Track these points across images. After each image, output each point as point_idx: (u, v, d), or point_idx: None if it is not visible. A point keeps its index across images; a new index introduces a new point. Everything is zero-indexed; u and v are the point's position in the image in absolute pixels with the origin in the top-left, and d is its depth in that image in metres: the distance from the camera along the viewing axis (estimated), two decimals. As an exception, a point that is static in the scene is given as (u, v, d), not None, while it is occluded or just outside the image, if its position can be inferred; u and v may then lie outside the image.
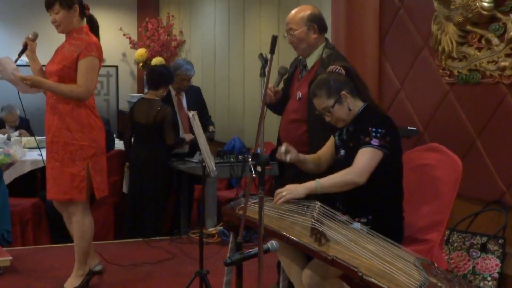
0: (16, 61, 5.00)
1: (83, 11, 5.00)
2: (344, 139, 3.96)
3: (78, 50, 4.83)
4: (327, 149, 4.13)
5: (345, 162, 3.86)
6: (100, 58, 4.94)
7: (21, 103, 5.28)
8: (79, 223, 4.99)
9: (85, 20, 5.05)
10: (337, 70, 3.95)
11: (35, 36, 5.02)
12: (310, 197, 3.83)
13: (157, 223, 6.90)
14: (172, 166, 6.98)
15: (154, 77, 7.03)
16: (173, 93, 7.30)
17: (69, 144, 4.86)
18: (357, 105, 3.91)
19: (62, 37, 5.07)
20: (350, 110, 3.89)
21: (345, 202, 3.85)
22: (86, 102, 4.91)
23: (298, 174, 4.28)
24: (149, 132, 6.87)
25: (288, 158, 4.01)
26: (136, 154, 7.00)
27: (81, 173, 4.88)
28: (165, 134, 6.84)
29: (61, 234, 6.93)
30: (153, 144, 6.89)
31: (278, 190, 3.82)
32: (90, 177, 4.92)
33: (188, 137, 7.07)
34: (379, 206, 3.80)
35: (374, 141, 3.72)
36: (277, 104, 4.76)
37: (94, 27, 5.08)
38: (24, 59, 5.24)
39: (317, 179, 3.77)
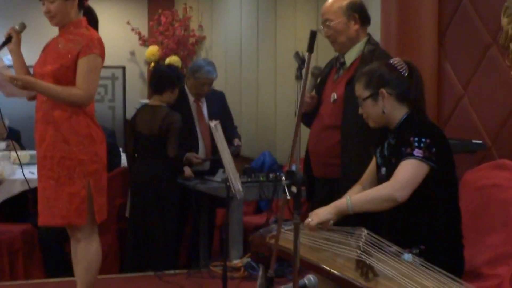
0: None
1: (82, 2, 5.02)
2: (385, 155, 3.97)
3: (78, 47, 4.85)
4: (370, 172, 4.13)
5: (387, 181, 3.88)
6: (103, 57, 4.97)
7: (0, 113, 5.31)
8: (85, 251, 4.99)
9: (82, 12, 5.06)
10: (398, 64, 3.95)
11: (22, 28, 5.02)
12: (350, 223, 3.84)
13: (168, 254, 6.90)
14: (189, 186, 6.98)
15: (156, 79, 7.05)
16: (191, 99, 7.31)
17: (66, 158, 4.85)
18: (399, 112, 3.91)
19: (51, 33, 5.10)
20: (384, 112, 3.90)
21: (392, 230, 3.84)
22: (86, 110, 4.92)
23: (330, 195, 4.30)
24: (153, 145, 6.84)
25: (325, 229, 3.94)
26: (138, 172, 6.98)
27: (81, 193, 4.87)
28: (168, 144, 6.79)
29: (56, 267, 7.01)
30: (159, 158, 6.85)
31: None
32: (91, 197, 4.91)
33: (186, 171, 7.05)
34: (432, 232, 3.80)
35: (417, 152, 3.71)
36: (310, 111, 4.79)
37: (92, 20, 5.10)
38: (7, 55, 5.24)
39: (348, 196, 3.78)
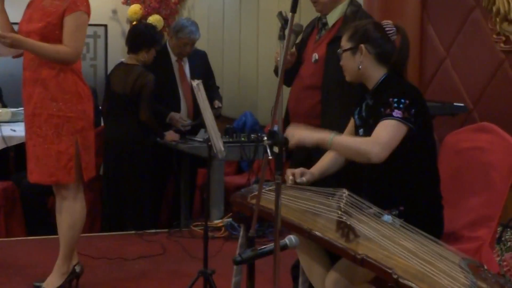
0: None
1: None
2: (363, 116, 3.96)
3: (64, 4, 4.83)
4: (349, 133, 4.11)
5: None
6: (89, 14, 4.95)
7: None
8: (70, 209, 5.01)
9: None
10: (387, 26, 3.93)
11: None
12: (333, 183, 3.85)
13: (142, 213, 6.90)
14: (170, 146, 6.97)
15: (132, 37, 7.01)
16: (173, 59, 7.30)
17: (54, 116, 4.86)
18: (377, 72, 3.89)
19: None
20: (359, 68, 3.89)
21: (371, 191, 3.83)
22: (73, 67, 4.91)
23: (309, 157, 4.30)
24: (126, 103, 6.84)
25: (304, 179, 3.97)
26: (111, 130, 6.97)
27: (69, 151, 4.89)
28: (140, 107, 6.78)
29: (38, 224, 6.99)
30: (131, 118, 6.85)
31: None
32: (78, 155, 4.92)
33: (169, 136, 7.03)
34: (411, 193, 3.79)
35: (396, 113, 3.68)
36: (290, 70, 4.77)
37: None
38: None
39: (333, 135, 3.73)
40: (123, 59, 7.19)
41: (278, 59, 4.67)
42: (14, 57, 5.23)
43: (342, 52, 3.93)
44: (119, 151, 6.87)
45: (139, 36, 6.96)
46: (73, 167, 4.92)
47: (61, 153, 4.88)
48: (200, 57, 7.53)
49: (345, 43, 3.93)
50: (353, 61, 3.90)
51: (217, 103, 7.25)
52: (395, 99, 3.71)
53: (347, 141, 3.78)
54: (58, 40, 4.83)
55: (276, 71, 4.87)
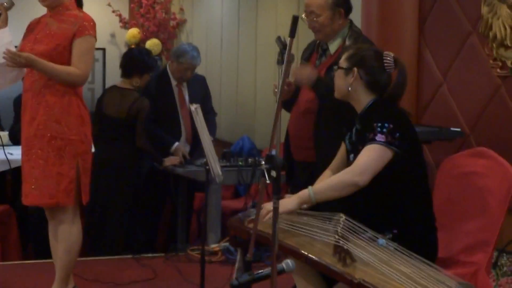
0: None
1: None
2: (353, 141, 3.98)
3: (73, 28, 4.87)
4: (341, 158, 4.13)
5: None
6: (96, 38, 5.00)
7: None
8: (66, 233, 5.01)
9: None
10: (386, 56, 3.94)
11: (11, 4, 5.03)
12: (331, 208, 3.87)
13: (124, 238, 6.87)
14: (167, 170, 6.97)
15: (126, 62, 6.99)
16: (173, 83, 7.30)
17: (57, 138, 4.88)
18: (364, 97, 3.92)
19: (36, 12, 5.08)
20: (349, 90, 3.92)
21: (366, 215, 3.83)
22: (76, 90, 4.95)
23: (310, 178, 4.32)
24: (120, 127, 6.77)
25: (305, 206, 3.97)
26: (101, 153, 6.79)
27: (70, 173, 4.90)
28: (137, 133, 6.75)
29: (34, 249, 6.99)
30: (123, 141, 6.80)
31: (264, 204, 3.79)
32: (79, 178, 4.94)
33: (169, 161, 6.96)
34: (404, 216, 3.80)
35: (379, 137, 3.71)
36: (291, 99, 4.80)
37: (78, 2, 5.11)
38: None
39: (310, 186, 3.78)
40: (116, 83, 7.17)
41: (276, 90, 4.71)
42: (10, 83, 5.24)
43: (337, 69, 3.97)
44: (109, 174, 6.79)
45: (133, 61, 6.95)
46: (73, 189, 4.93)
47: (62, 175, 4.89)
48: (199, 81, 7.53)
49: (342, 61, 3.97)
50: (344, 80, 3.94)
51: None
52: (379, 124, 3.74)
53: (328, 183, 3.81)
54: (65, 62, 4.86)
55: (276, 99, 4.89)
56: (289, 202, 3.79)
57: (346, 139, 4.04)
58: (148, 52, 7.44)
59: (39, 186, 4.93)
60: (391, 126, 3.73)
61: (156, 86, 7.14)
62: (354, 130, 3.98)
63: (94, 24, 4.97)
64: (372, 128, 3.74)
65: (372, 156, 3.70)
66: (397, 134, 3.73)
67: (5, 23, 5.01)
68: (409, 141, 3.80)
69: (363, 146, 3.81)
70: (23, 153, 5.02)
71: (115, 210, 6.81)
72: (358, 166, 3.71)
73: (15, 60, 4.75)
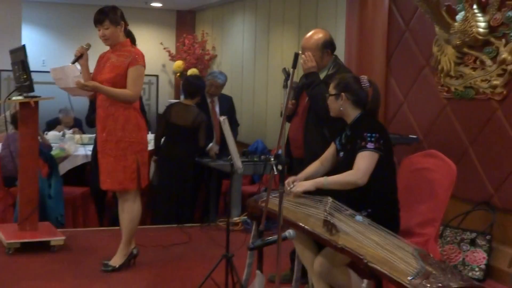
0: None
1: (125, 27, 5.01)
2: (343, 143, 3.96)
3: (127, 60, 4.87)
4: (328, 154, 4.09)
5: (345, 162, 3.85)
6: (145, 67, 4.99)
7: (71, 106, 5.58)
8: (130, 208, 5.03)
9: (125, 34, 5.05)
10: (362, 80, 3.92)
11: (89, 46, 5.03)
12: (321, 193, 3.85)
13: (185, 211, 6.87)
14: (203, 163, 6.97)
15: (190, 88, 6.93)
16: (208, 99, 7.30)
17: (121, 141, 4.90)
18: (353, 112, 3.89)
19: (98, 49, 5.12)
20: (341, 109, 3.90)
21: (347, 198, 3.82)
22: (134, 105, 4.95)
23: (303, 170, 4.29)
24: (185, 133, 6.78)
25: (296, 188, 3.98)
26: (167, 151, 6.87)
27: (132, 166, 4.93)
28: (199, 137, 6.77)
29: (107, 219, 7.01)
30: (187, 143, 6.79)
31: (290, 179, 3.80)
32: (138, 169, 4.96)
33: (210, 149, 6.99)
34: (376, 200, 3.77)
35: (370, 145, 3.70)
36: (292, 113, 4.79)
37: (132, 39, 5.10)
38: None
39: (325, 177, 3.78)
40: (173, 101, 7.17)
41: (282, 106, 4.70)
42: (90, 97, 5.33)
43: (329, 96, 3.94)
44: (173, 167, 6.79)
45: (195, 86, 6.91)
46: (135, 178, 4.95)
47: (127, 167, 4.92)
48: (227, 100, 7.51)
49: (331, 89, 3.94)
50: (336, 103, 3.91)
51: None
52: (368, 134, 3.72)
53: (337, 178, 3.75)
54: (123, 85, 4.87)
55: (281, 114, 4.87)
56: (307, 183, 3.79)
57: (337, 141, 4.02)
58: (201, 77, 7.41)
59: (111, 177, 4.96)
60: (377, 135, 3.72)
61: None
62: (343, 135, 3.95)
63: (143, 56, 4.96)
64: (363, 137, 3.72)
65: (368, 161, 3.69)
66: (381, 141, 3.73)
67: (86, 61, 5.02)
68: (387, 145, 3.79)
69: (351, 146, 3.80)
70: (99, 153, 5.05)
71: (174, 191, 6.79)
72: (359, 170, 3.68)
73: (83, 88, 4.85)
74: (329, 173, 4.04)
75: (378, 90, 3.99)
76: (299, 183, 3.83)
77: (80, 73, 4.97)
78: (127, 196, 5.03)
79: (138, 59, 4.89)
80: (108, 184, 5.02)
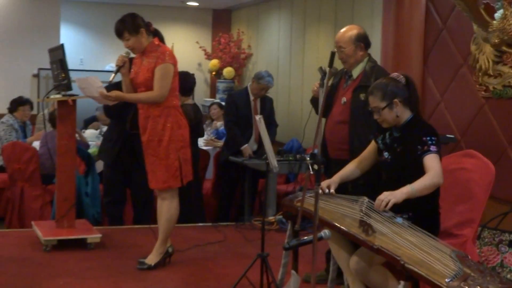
0: (113, 78, 5.05)
1: (149, 29, 5.02)
2: (387, 143, 3.91)
3: (154, 60, 4.90)
4: (368, 153, 4.06)
5: (391, 163, 3.82)
6: (174, 63, 4.96)
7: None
8: (168, 206, 5.05)
9: (151, 35, 5.05)
10: (399, 78, 3.88)
11: (129, 54, 5.08)
12: (359, 193, 3.82)
13: (195, 210, 6.81)
14: (239, 163, 6.96)
15: (185, 85, 6.41)
16: (251, 97, 7.26)
17: (162, 140, 4.93)
18: (406, 114, 3.84)
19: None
20: (397, 116, 3.84)
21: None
22: (174, 104, 4.97)
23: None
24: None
25: (331, 190, 3.94)
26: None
27: (175, 164, 4.95)
28: (200, 132, 6.81)
29: (143, 217, 7.03)
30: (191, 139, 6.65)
31: (380, 197, 3.62)
32: (181, 166, 4.98)
33: (245, 149, 6.99)
34: (418, 204, 3.71)
35: (433, 148, 3.68)
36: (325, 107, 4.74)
37: (160, 38, 5.11)
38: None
39: (411, 185, 3.61)
40: (211, 100, 7.12)
41: (315, 89, 4.68)
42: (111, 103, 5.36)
43: (381, 110, 3.83)
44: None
45: (189, 83, 6.67)
46: (179, 175, 4.98)
47: (169, 166, 4.94)
48: (268, 101, 7.43)
49: (380, 103, 3.83)
50: (392, 113, 3.82)
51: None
52: (428, 138, 3.71)
53: (423, 183, 3.62)
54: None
55: (311, 101, 4.86)
56: (400, 194, 3.58)
57: (379, 140, 3.97)
58: (190, 74, 6.93)
59: (155, 176, 5.00)
60: (435, 138, 3.72)
61: (239, 99, 7.17)
62: (387, 134, 3.90)
63: (171, 53, 4.96)
64: (424, 142, 3.69)
65: (438, 163, 3.67)
66: (440, 144, 3.73)
67: (128, 70, 5.06)
68: (440, 149, 3.77)
69: (402, 149, 3.79)
70: (143, 153, 5.09)
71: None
72: (438, 172, 3.64)
73: (106, 98, 4.97)
74: (369, 173, 4.00)
75: (412, 79, 3.95)
76: (390, 193, 3.61)
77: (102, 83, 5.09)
78: (165, 195, 5.04)
79: (163, 57, 4.90)
80: (154, 184, 5.05)
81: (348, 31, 4.61)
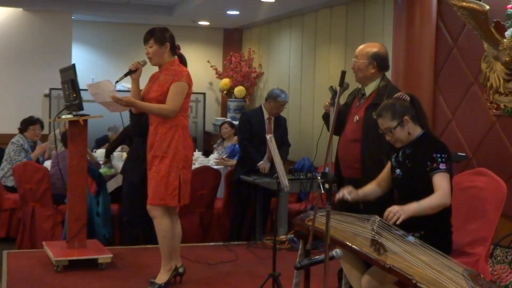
0: (120, 79, 5.08)
1: (174, 49, 5.12)
2: (400, 160, 3.92)
3: (171, 78, 4.97)
4: (385, 173, 4.07)
5: (403, 180, 3.83)
6: (190, 84, 5.04)
7: (122, 123, 5.70)
8: (159, 224, 5.05)
9: (175, 56, 5.17)
10: (403, 97, 3.92)
11: (144, 63, 5.15)
12: (370, 212, 3.82)
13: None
14: (250, 181, 6.96)
15: None
16: (265, 116, 7.26)
17: (166, 158, 4.96)
18: (416, 131, 3.87)
19: (150, 69, 5.21)
20: (409, 133, 3.85)
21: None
22: (183, 124, 5.02)
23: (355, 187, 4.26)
24: None
25: (350, 197, 3.95)
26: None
27: (175, 182, 4.97)
28: None
29: (153, 237, 7.03)
30: None
31: (390, 209, 3.63)
32: (180, 186, 5.00)
33: (261, 165, 7.02)
34: (430, 222, 3.73)
35: (442, 166, 3.69)
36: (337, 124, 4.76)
37: (183, 62, 5.24)
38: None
39: (418, 203, 3.63)
40: (221, 119, 7.16)
41: (326, 104, 4.70)
42: (135, 112, 5.43)
43: (394, 129, 3.86)
44: None
45: None
46: (176, 195, 4.99)
47: (169, 184, 4.96)
48: (282, 120, 7.42)
49: (390, 123, 3.86)
50: (403, 131, 3.85)
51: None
52: (438, 155, 3.72)
53: (429, 202, 3.64)
54: None
55: (323, 117, 4.87)
56: (409, 209, 3.60)
57: (392, 158, 3.98)
58: None
59: (153, 191, 5.00)
60: (446, 155, 3.73)
61: (253, 118, 7.17)
62: (400, 152, 3.92)
63: (189, 75, 5.04)
64: (434, 159, 3.71)
65: (446, 182, 3.68)
66: (450, 162, 3.74)
67: (138, 76, 5.13)
68: (452, 166, 3.78)
69: (412, 165, 3.81)
70: (148, 169, 5.11)
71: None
72: (446, 191, 3.65)
73: (118, 102, 4.97)
74: (388, 193, 4.01)
75: (416, 97, 3.98)
76: (401, 209, 3.61)
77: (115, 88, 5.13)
78: (154, 213, 5.05)
79: (180, 77, 4.98)
80: (150, 199, 5.06)
81: (369, 46, 4.70)
